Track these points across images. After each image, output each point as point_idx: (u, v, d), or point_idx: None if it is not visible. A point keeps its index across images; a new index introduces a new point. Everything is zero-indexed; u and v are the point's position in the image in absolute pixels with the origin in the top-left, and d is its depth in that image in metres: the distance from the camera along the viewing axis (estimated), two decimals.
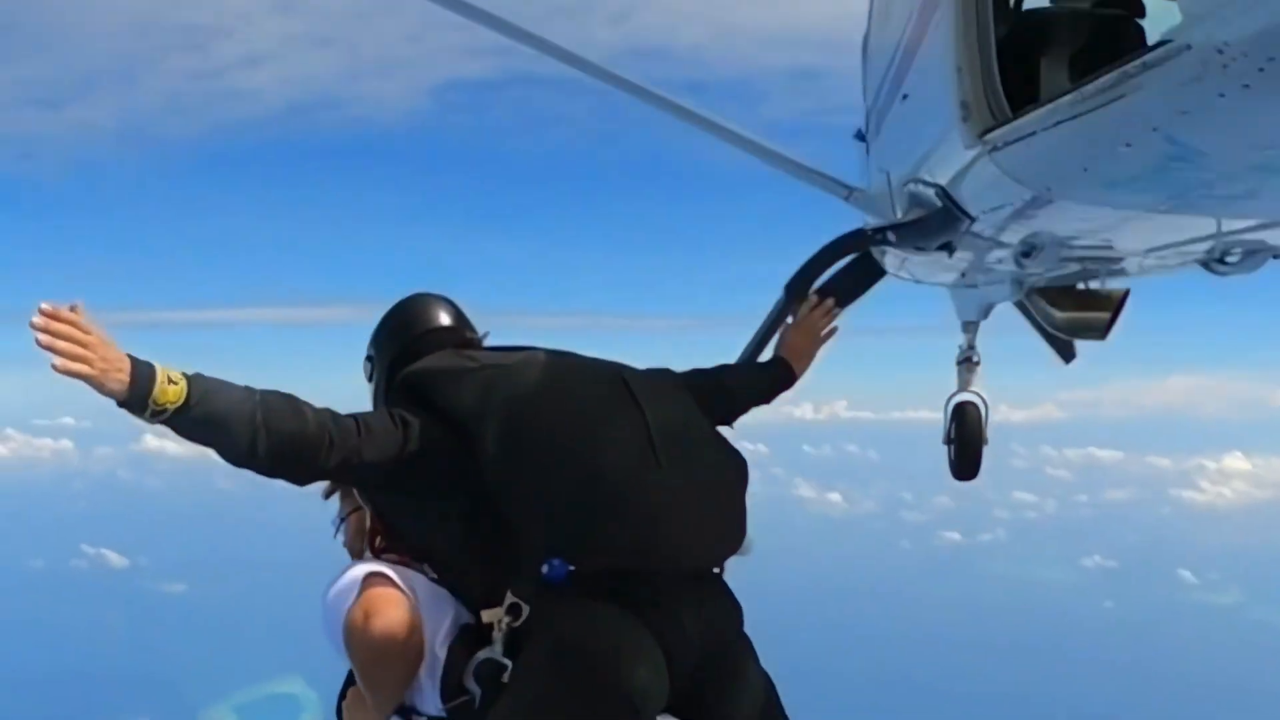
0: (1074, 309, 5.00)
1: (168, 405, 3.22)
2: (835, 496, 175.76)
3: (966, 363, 6.93)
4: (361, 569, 3.75)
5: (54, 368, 3.03)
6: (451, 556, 3.87)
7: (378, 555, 3.99)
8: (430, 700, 3.65)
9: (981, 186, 3.68)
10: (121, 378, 3.15)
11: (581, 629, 3.48)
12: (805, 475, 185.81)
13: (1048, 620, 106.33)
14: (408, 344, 4.18)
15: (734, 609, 3.83)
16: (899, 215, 4.83)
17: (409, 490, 3.77)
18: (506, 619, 3.54)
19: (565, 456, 3.67)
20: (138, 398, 3.19)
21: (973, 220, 4.01)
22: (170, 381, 3.23)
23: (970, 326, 6.88)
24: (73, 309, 3.09)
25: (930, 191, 4.17)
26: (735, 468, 4.02)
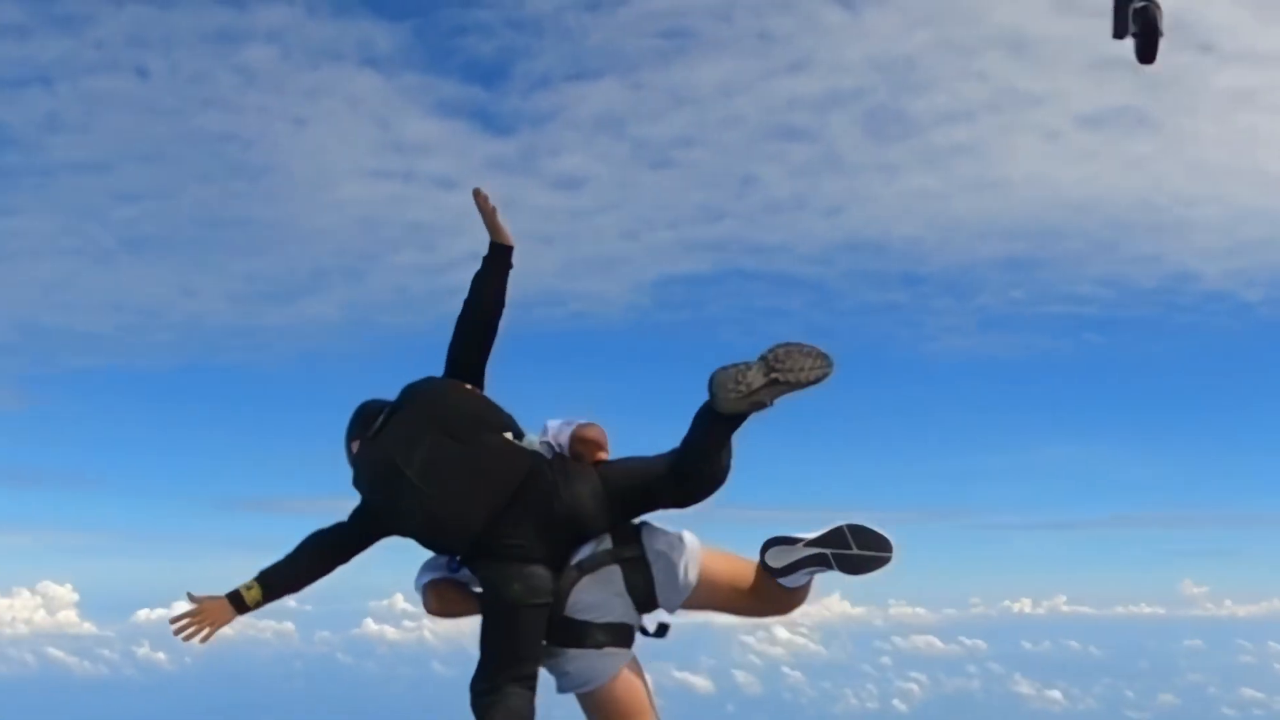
0: None
1: (260, 601, 4.99)
2: (1055, 694, 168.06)
3: None
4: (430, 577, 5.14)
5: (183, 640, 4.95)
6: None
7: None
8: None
9: None
10: (228, 616, 4.99)
11: (484, 572, 4.85)
12: (1024, 671, 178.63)
13: None
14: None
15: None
16: None
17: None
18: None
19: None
20: (243, 612, 4.99)
21: None
22: (248, 589, 4.98)
23: None
24: (190, 597, 4.98)
25: None
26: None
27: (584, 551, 4.85)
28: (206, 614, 5.00)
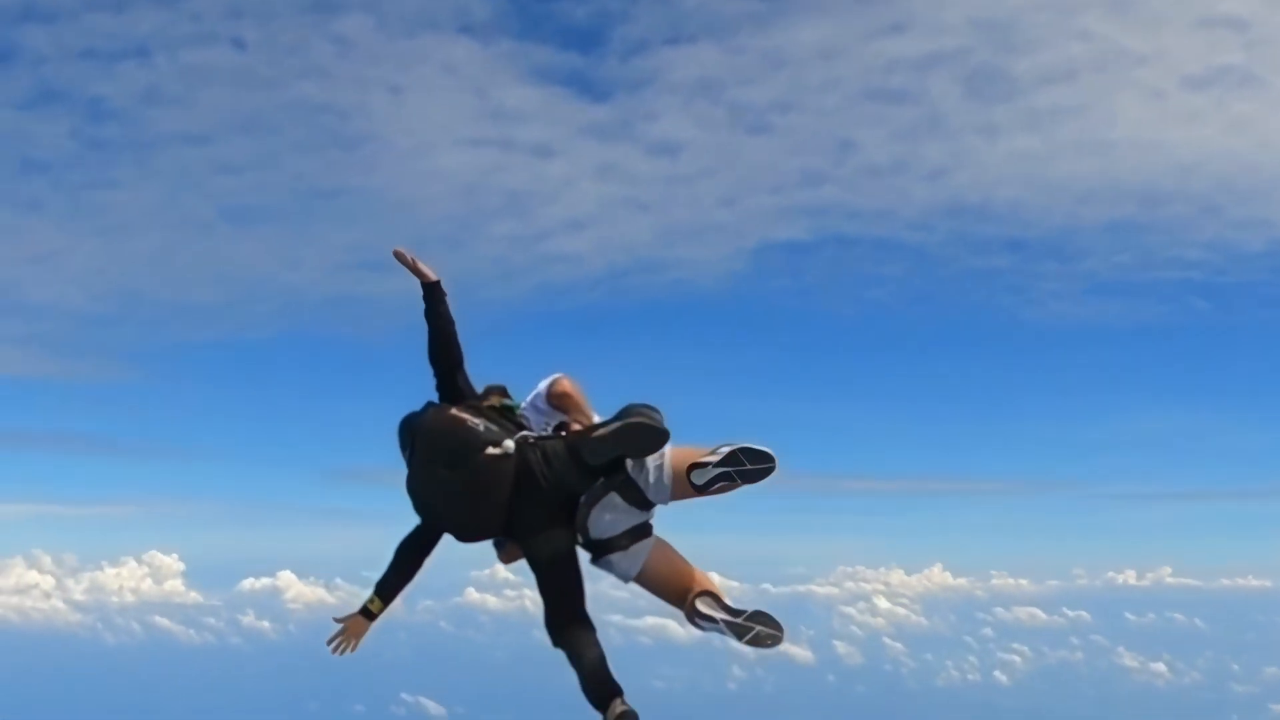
0: None
1: (381, 608, 6.49)
2: (1160, 667, 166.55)
3: None
4: None
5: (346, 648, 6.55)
6: None
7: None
8: None
9: None
10: (364, 627, 6.49)
11: (521, 546, 6.51)
12: (1128, 644, 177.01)
13: None
14: None
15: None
16: None
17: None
18: None
19: None
20: (372, 620, 6.47)
21: None
22: (371, 602, 6.47)
23: None
24: (336, 620, 6.48)
25: None
26: None
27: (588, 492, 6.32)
28: (350, 630, 6.52)
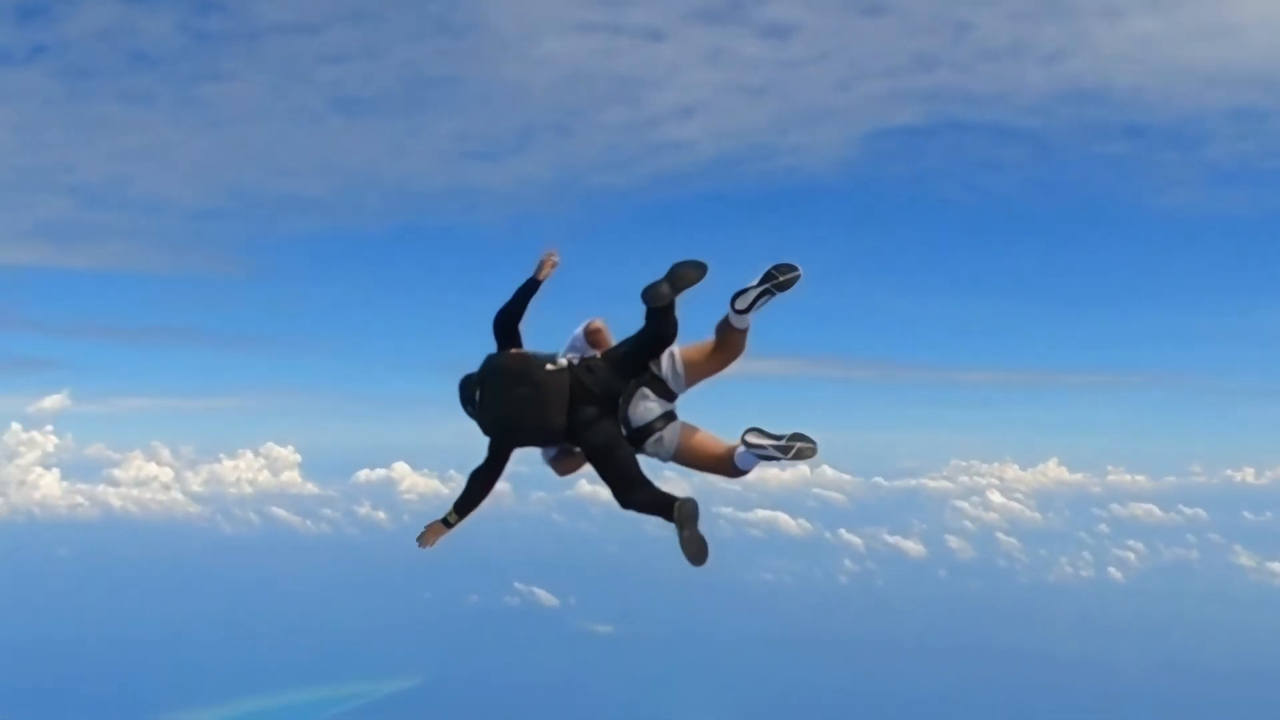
0: None
1: (457, 520, 7.82)
2: (1277, 566, 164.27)
3: None
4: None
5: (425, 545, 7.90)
6: None
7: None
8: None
9: None
10: (441, 532, 7.85)
11: (583, 440, 7.88)
12: (1245, 543, 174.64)
13: None
14: None
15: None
16: None
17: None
18: None
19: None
20: (450, 528, 7.83)
21: None
22: (448, 515, 7.83)
23: None
24: (423, 536, 7.85)
25: None
26: None
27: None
28: (429, 533, 7.88)
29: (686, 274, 7.40)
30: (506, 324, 8.11)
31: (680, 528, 7.29)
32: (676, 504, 7.39)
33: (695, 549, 7.30)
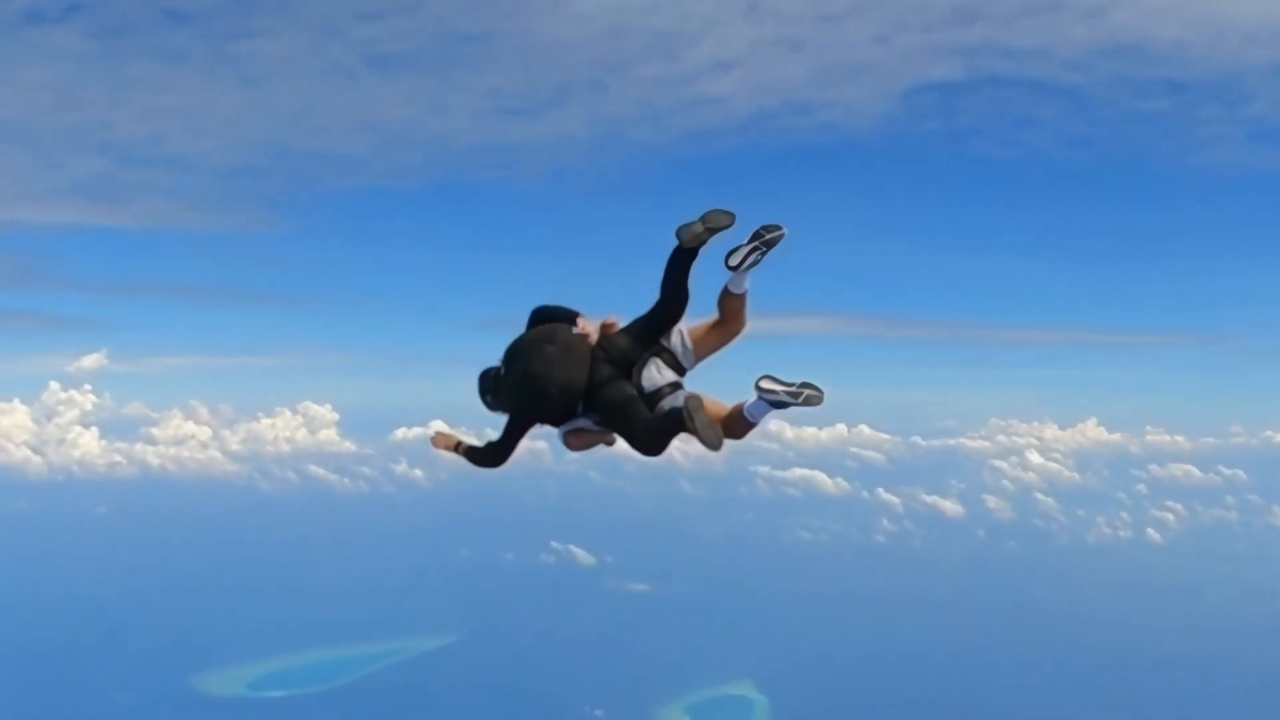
0: None
1: (466, 452, 8.80)
2: None
3: None
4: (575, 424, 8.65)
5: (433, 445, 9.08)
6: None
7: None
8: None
9: None
10: (450, 449, 8.91)
11: (603, 401, 8.47)
12: None
13: None
14: None
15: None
16: None
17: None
18: None
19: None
20: (456, 454, 8.93)
21: None
22: (469, 445, 8.83)
23: None
24: (436, 434, 9.06)
25: None
26: None
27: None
28: (442, 439, 9.04)
29: (718, 218, 8.08)
30: (546, 314, 8.88)
31: (690, 419, 7.82)
32: (685, 399, 8.01)
33: (710, 434, 7.82)
